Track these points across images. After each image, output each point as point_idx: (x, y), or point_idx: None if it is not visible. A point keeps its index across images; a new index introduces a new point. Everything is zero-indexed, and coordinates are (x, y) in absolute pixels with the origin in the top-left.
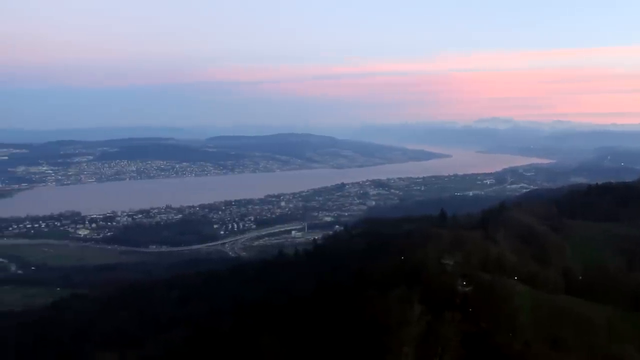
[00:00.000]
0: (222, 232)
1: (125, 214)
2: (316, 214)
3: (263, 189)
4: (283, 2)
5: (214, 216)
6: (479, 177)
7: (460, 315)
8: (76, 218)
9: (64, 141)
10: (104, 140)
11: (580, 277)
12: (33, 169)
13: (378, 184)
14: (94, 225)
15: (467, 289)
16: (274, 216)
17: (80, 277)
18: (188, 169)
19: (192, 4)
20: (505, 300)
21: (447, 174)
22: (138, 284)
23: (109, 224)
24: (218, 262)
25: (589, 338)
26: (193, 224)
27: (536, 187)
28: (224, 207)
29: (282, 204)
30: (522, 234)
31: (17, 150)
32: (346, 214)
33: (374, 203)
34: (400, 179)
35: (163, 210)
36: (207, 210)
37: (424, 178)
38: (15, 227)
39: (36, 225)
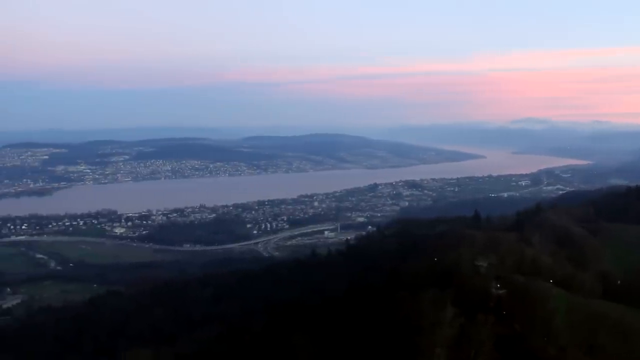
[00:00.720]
0: (255, 232)
1: (160, 212)
2: (349, 214)
3: (296, 189)
4: (319, 3)
5: (247, 216)
6: (513, 178)
7: (493, 317)
8: (112, 216)
9: (101, 141)
10: (140, 140)
11: (619, 282)
12: (72, 168)
13: (411, 184)
14: (129, 223)
15: (501, 291)
16: (306, 216)
17: (116, 274)
18: (222, 169)
19: (227, 5)
20: (540, 303)
21: (481, 175)
22: (172, 282)
23: (144, 222)
24: (251, 262)
25: (627, 345)
26: (226, 224)
27: (573, 189)
28: (257, 207)
29: (315, 204)
30: (558, 236)
31: (57, 150)
32: (379, 214)
33: (406, 204)
34: (433, 179)
35: (197, 209)
36: (240, 209)
37: (457, 179)
38: (55, 224)
39: (74, 223)
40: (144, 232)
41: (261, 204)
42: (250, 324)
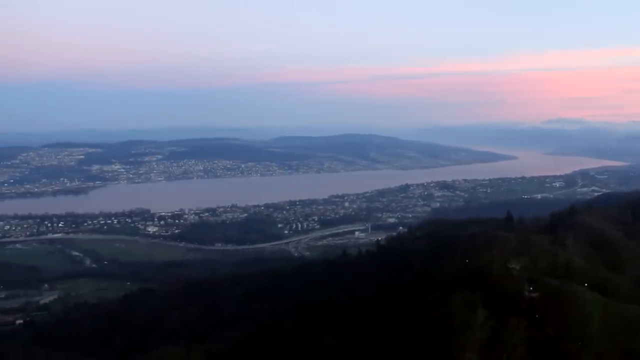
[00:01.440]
0: (286, 232)
1: (192, 212)
2: (380, 214)
3: (327, 189)
4: (350, 4)
5: (279, 216)
6: (547, 180)
7: (526, 321)
8: (146, 215)
9: (135, 141)
10: (173, 140)
11: None
12: (106, 168)
13: (443, 185)
14: (162, 222)
15: (533, 294)
16: (337, 216)
17: (149, 272)
18: (253, 169)
19: (260, 7)
20: (574, 307)
21: (514, 176)
22: (204, 280)
23: (176, 221)
24: (282, 261)
25: None
26: (258, 223)
27: (609, 191)
28: (288, 207)
29: (346, 204)
30: (593, 239)
31: (92, 150)
32: (410, 215)
33: (438, 205)
34: (465, 180)
35: (229, 209)
36: (271, 209)
37: (490, 180)
38: (90, 223)
39: (109, 222)
40: (177, 231)
41: (292, 204)
42: (280, 324)
